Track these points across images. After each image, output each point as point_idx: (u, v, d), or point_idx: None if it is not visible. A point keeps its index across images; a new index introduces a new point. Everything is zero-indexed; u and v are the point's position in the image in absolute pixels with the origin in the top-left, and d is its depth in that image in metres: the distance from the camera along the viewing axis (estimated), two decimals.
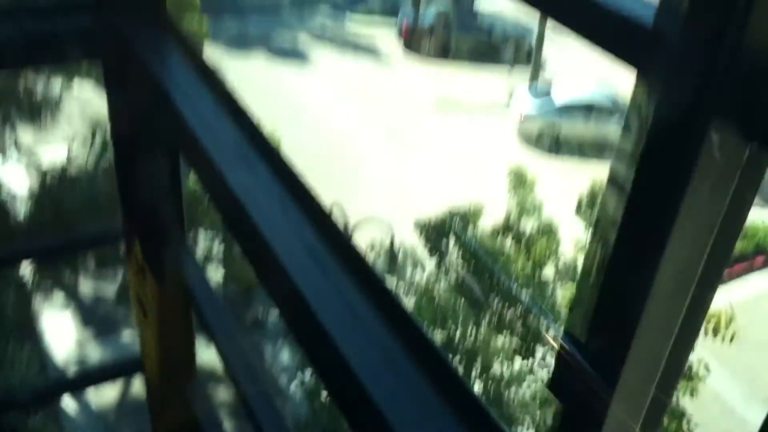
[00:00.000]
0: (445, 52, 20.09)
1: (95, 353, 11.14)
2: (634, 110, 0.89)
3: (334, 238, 1.46)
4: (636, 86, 0.88)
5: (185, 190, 2.51)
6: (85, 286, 11.53)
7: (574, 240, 8.69)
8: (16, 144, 9.21)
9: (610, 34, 0.91)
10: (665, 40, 0.83)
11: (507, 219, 8.77)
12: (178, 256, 2.57)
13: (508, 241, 8.49)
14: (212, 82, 1.96)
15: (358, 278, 1.36)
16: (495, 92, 18.62)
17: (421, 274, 8.86)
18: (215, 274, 9.86)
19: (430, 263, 8.77)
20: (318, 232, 1.47)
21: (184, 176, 2.42)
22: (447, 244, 8.21)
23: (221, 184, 1.59)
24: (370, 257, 9.23)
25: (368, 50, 20.59)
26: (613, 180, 0.94)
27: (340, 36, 21.21)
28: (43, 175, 8.55)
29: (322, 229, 1.48)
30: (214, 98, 1.88)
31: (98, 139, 8.12)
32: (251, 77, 18.02)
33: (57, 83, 8.94)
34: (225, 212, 1.73)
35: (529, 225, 8.62)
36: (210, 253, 9.78)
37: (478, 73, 19.50)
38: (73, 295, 11.39)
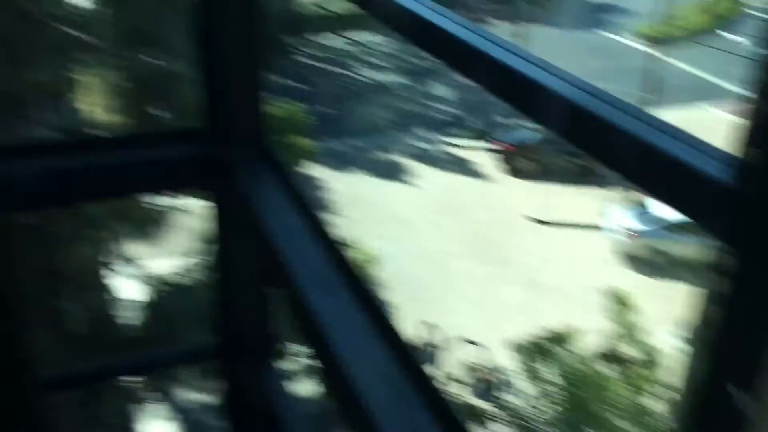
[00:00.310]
0: (540, 171, 20.19)
1: None
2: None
3: (413, 367, 1.46)
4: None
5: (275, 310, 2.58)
6: (188, 398, 11.75)
7: (677, 369, 8.19)
8: (127, 257, 9.80)
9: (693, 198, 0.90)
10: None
11: (606, 344, 8.40)
12: (266, 377, 2.61)
13: (607, 368, 8.10)
14: (303, 207, 2.06)
15: (435, 412, 1.34)
16: (590, 211, 18.38)
17: (517, 399, 8.53)
18: (307, 387, 9.85)
19: (525, 387, 8.45)
20: (397, 361, 1.47)
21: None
22: (542, 368, 7.91)
23: (304, 309, 1.64)
24: (461, 377, 8.99)
25: (465, 168, 21.00)
26: (712, 307, 0.90)
27: (437, 155, 21.79)
28: (152, 288, 9.00)
29: (401, 358, 1.48)
30: (303, 223, 1.97)
31: (204, 256, 8.53)
32: (352, 193, 18.65)
33: (171, 199, 9.58)
34: (307, 336, 1.77)
35: (629, 351, 8.22)
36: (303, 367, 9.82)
37: (574, 192, 19.39)
38: (175, 407, 11.62)
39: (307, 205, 2.06)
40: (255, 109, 2.45)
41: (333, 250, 1.86)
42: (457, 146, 22.13)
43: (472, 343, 11.46)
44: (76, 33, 7.13)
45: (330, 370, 1.58)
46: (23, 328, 1.82)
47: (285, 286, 1.89)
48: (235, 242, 2.45)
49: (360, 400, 1.35)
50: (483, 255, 16.78)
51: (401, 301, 14.63)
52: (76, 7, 7.73)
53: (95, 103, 9.14)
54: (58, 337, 7.95)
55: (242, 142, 2.42)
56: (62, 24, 7.13)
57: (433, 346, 12.68)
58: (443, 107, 24.22)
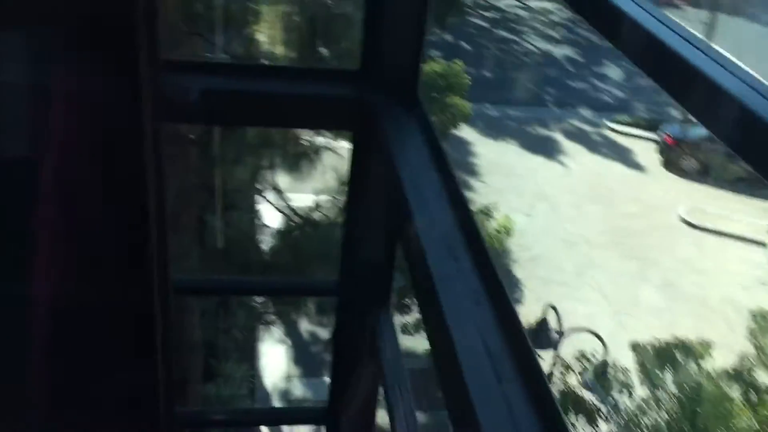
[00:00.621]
0: (701, 171, 18.88)
1: (297, 391, 11.77)
2: None
3: (520, 346, 1.41)
4: None
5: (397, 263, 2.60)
6: (304, 327, 12.32)
7: None
8: (274, 187, 10.26)
9: None
10: None
11: (740, 366, 7.84)
12: (377, 322, 2.64)
13: (734, 390, 7.57)
14: (441, 165, 2.04)
15: (533, 394, 1.29)
16: (754, 225, 17.00)
17: (628, 401, 8.20)
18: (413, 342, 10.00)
19: (640, 391, 8.09)
20: (505, 338, 1.44)
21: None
22: (660, 374, 7.53)
23: (422, 266, 1.63)
24: (575, 368, 8.75)
25: (623, 158, 20.02)
26: None
27: (594, 137, 20.93)
28: (290, 220, 9.41)
29: (508, 333, 1.44)
30: (438, 181, 1.95)
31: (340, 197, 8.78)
32: (499, 161, 18.38)
33: (322, 137, 9.90)
34: (420, 293, 1.76)
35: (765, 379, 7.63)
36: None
37: (737, 200, 18.00)
38: (291, 333, 12.22)
39: (446, 164, 2.03)
40: (412, 59, 2.44)
41: (463, 214, 1.83)
42: (617, 132, 21.11)
43: (595, 335, 11.09)
44: None
45: (435, 332, 1.57)
46: (163, 231, 1.92)
47: (408, 239, 1.89)
48: (368, 187, 2.47)
49: (458, 367, 1.33)
50: (624, 248, 16.07)
51: (530, 279, 14.38)
52: None
53: (268, 34, 9.52)
54: (196, 247, 8.53)
55: (394, 90, 2.42)
56: None
57: (554, 331, 12.41)
58: (610, 89, 23.11)
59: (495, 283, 1.56)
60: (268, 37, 9.60)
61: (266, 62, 9.19)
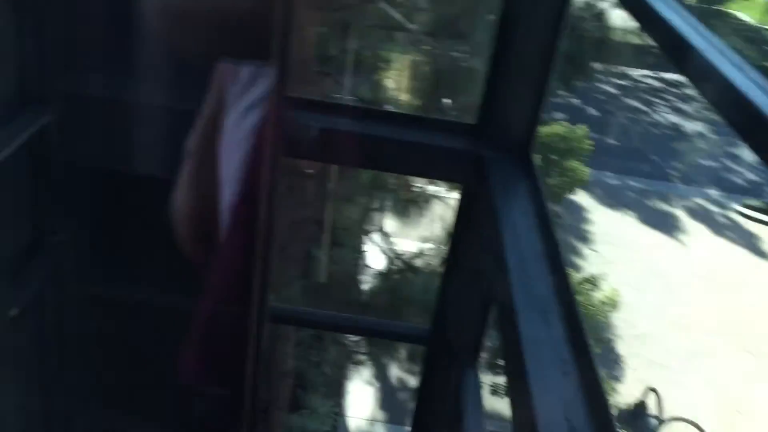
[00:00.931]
0: None
1: None
2: None
3: (603, 423, 1.35)
4: None
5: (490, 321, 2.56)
6: (393, 372, 12.26)
7: None
8: (382, 230, 10.39)
9: None
10: None
11: None
12: (464, 377, 2.60)
13: None
14: (545, 228, 2.01)
15: None
16: None
17: None
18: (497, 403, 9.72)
19: None
20: (588, 412, 1.38)
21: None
22: None
23: (512, 328, 1.60)
24: None
25: (750, 244, 18.88)
26: None
27: (721, 219, 19.88)
28: (392, 263, 9.47)
29: (594, 410, 1.39)
30: (540, 244, 1.92)
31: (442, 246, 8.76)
32: (612, 231, 17.80)
33: (433, 185, 9.97)
34: (507, 355, 1.72)
35: None
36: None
37: None
38: (380, 376, 12.19)
39: (550, 229, 2.01)
40: (530, 119, 2.44)
41: (561, 281, 1.79)
42: (746, 216, 19.95)
43: (698, 428, 10.38)
44: (395, 13, 7.66)
45: (517, 398, 1.53)
46: (269, 259, 1.99)
47: (502, 298, 1.86)
48: (470, 241, 2.47)
49: None
50: (744, 342, 15.02)
51: (633, 358, 13.70)
52: None
53: (396, 80, 9.77)
54: (300, 279, 8.73)
55: (508, 147, 2.42)
56: (386, 2, 7.71)
57: (653, 416, 11.72)
58: (742, 170, 21.96)
59: (586, 355, 1.51)
60: (396, 82, 9.84)
61: (389, 107, 9.41)
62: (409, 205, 9.72)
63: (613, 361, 13.31)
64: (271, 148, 1.74)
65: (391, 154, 2.54)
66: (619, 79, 25.38)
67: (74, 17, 2.20)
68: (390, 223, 10.46)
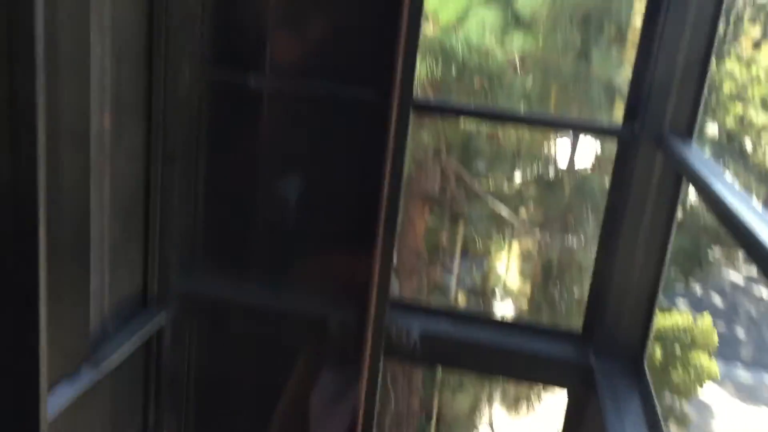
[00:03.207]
0: None
1: None
2: None
3: None
4: None
5: None
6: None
7: None
8: (491, 424, 9.91)
9: None
10: None
11: None
12: None
13: None
14: None
15: None
16: None
17: None
18: None
19: None
20: None
21: None
22: None
23: None
24: None
25: None
26: None
27: None
28: None
29: None
30: None
31: None
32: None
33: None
34: None
35: None
36: None
37: None
38: None
39: None
40: (640, 327, 2.33)
41: None
42: None
43: None
44: (503, 208, 7.82)
45: None
46: None
47: None
48: None
49: None
50: None
51: None
52: (509, 186, 8.53)
53: (504, 268, 9.77)
54: None
55: (616, 357, 2.31)
56: (494, 197, 7.92)
57: None
58: None
59: None
60: (504, 271, 9.83)
61: (494, 302, 9.36)
62: (519, 401, 9.30)
63: None
64: (370, 358, 1.75)
65: (493, 360, 2.47)
66: (745, 268, 24.21)
67: (194, 222, 2.39)
68: (500, 414, 9.97)
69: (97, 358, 1.93)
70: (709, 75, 2.12)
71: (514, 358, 2.42)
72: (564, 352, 2.38)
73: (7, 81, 1.15)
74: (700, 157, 1.86)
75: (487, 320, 2.50)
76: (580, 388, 2.36)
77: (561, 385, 2.57)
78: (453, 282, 9.76)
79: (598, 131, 2.41)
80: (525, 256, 9.45)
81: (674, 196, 2.19)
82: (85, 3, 1.71)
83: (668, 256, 2.29)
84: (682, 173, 2.07)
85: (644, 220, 2.27)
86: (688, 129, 2.10)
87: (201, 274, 2.44)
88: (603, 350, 2.34)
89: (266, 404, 2.29)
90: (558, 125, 2.95)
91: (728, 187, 1.61)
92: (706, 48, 2.08)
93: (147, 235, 2.21)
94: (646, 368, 2.30)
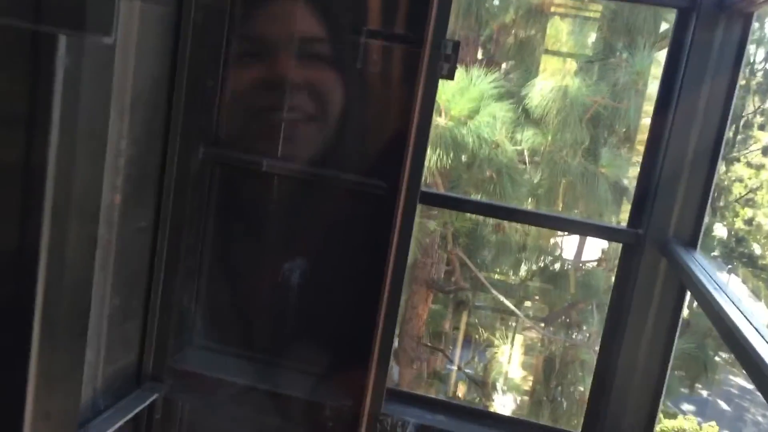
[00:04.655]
0: None
1: None
2: None
3: None
4: None
5: None
6: None
7: None
8: None
9: None
10: None
11: None
12: None
13: None
14: None
15: None
16: None
17: None
18: None
19: None
20: None
21: None
22: None
23: None
24: None
25: None
26: None
27: None
28: None
29: None
30: None
31: None
32: None
33: None
34: None
35: None
36: None
37: None
38: None
39: None
40: (644, 429, 2.27)
41: None
42: None
43: None
44: (508, 302, 7.79)
45: None
46: None
47: None
48: None
49: None
50: None
51: None
52: (514, 276, 8.52)
53: (505, 359, 9.62)
54: None
55: None
56: (499, 287, 7.89)
57: None
58: None
59: None
60: (506, 362, 9.67)
61: (491, 406, 9.18)
62: None
63: None
64: None
65: None
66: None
67: (195, 299, 2.39)
68: None
69: None
70: (715, 182, 2.13)
71: None
72: None
73: (23, 145, 1.16)
74: (703, 267, 1.86)
75: (486, 415, 2.44)
76: None
77: None
78: (453, 371, 9.60)
79: (602, 234, 2.41)
80: (528, 349, 9.34)
81: (678, 303, 2.18)
82: (107, 82, 1.76)
83: (671, 360, 2.26)
84: (684, 283, 2.06)
85: (648, 323, 2.25)
86: (693, 237, 2.11)
87: (197, 351, 2.41)
88: None
89: None
90: (563, 225, 2.97)
91: (731, 302, 1.60)
92: (713, 154, 2.11)
93: (147, 310, 2.20)
94: None
